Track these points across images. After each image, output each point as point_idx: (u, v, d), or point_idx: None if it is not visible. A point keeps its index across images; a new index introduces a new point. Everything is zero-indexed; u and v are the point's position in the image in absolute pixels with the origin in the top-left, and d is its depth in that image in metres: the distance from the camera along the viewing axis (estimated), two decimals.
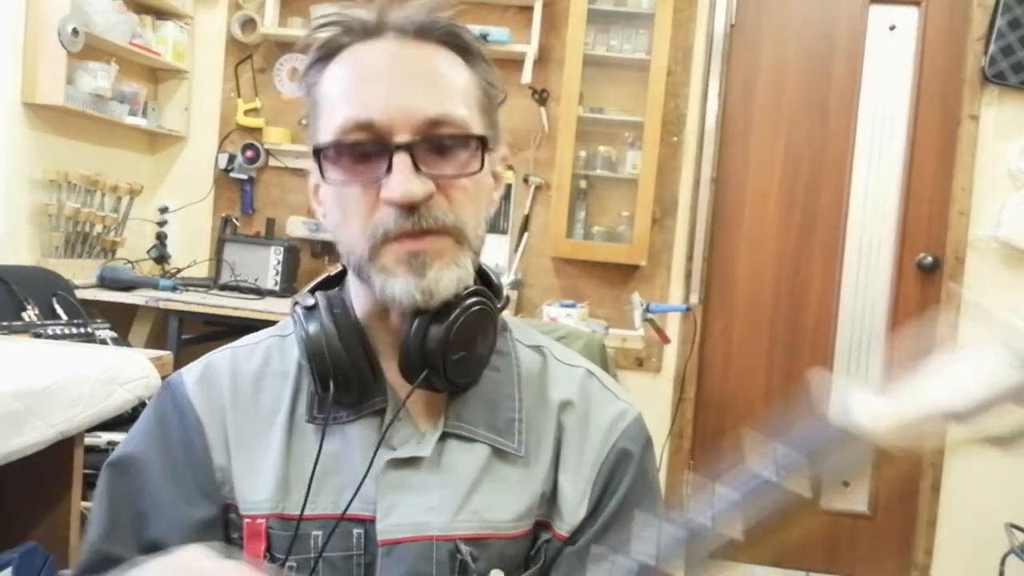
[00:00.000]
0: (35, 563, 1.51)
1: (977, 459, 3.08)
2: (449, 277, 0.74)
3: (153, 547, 0.75)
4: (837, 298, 3.19)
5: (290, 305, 0.82)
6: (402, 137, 0.72)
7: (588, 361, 0.87)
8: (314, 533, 0.76)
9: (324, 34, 0.77)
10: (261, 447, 0.79)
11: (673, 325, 3.17)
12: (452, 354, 0.75)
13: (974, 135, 3.04)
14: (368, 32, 0.75)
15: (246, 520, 0.78)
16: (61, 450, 1.53)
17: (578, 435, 0.82)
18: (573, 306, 2.88)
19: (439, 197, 0.73)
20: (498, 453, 0.79)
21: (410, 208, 0.71)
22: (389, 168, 0.71)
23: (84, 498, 1.80)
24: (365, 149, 0.73)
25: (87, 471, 1.86)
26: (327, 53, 0.77)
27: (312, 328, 0.77)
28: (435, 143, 0.73)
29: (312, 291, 0.82)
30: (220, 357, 0.84)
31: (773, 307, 3.22)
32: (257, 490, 0.78)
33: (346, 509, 0.75)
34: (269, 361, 0.83)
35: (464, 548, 0.75)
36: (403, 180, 0.70)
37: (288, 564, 0.76)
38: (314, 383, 0.78)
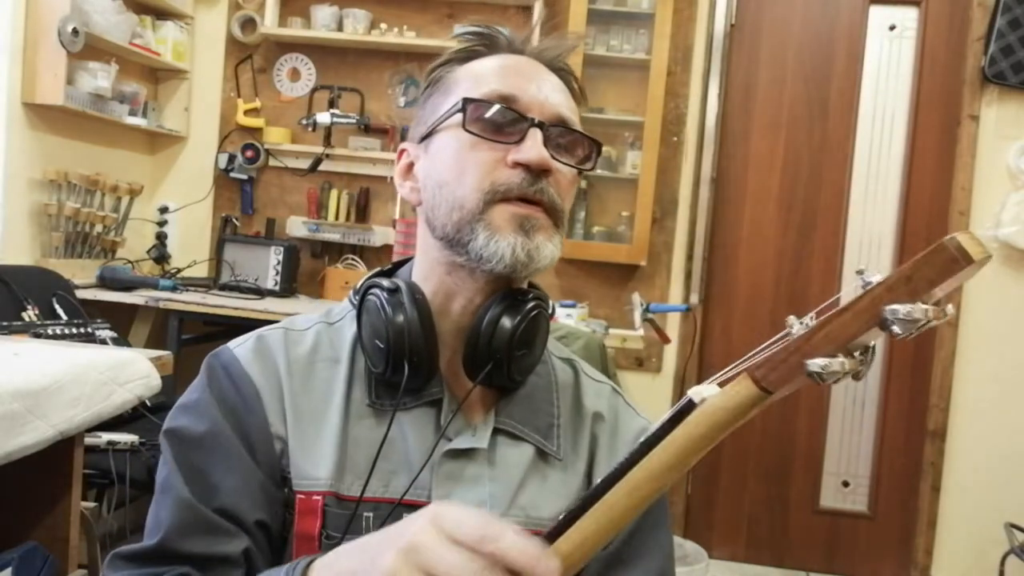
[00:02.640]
0: (35, 563, 1.51)
1: (977, 459, 3.08)
2: (547, 250, 0.78)
3: (222, 514, 0.76)
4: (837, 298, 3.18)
5: (351, 292, 0.85)
6: (539, 117, 0.79)
7: (608, 378, 0.93)
8: (366, 514, 0.78)
9: (465, 43, 0.86)
10: (316, 426, 0.80)
11: (673, 325, 3.17)
12: (517, 351, 0.79)
13: (974, 135, 3.04)
14: (509, 48, 0.86)
15: (299, 495, 0.78)
16: (61, 450, 1.53)
17: (608, 446, 0.87)
18: (573, 306, 2.88)
19: (552, 180, 0.79)
20: (541, 454, 0.83)
21: (536, 175, 0.77)
22: (521, 139, 0.78)
23: (84, 498, 1.80)
24: (506, 115, 0.79)
25: (87, 471, 1.86)
26: (469, 55, 0.85)
27: (395, 311, 0.79)
28: (562, 135, 0.81)
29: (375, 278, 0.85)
30: (272, 334, 0.85)
31: (773, 307, 3.22)
32: (315, 466, 0.79)
33: (404, 493, 0.77)
34: (319, 347, 0.84)
35: None
36: (539, 146, 0.77)
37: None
38: (386, 366, 0.79)
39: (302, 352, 0.84)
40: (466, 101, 0.79)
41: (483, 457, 0.80)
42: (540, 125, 0.79)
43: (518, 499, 0.80)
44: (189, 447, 0.79)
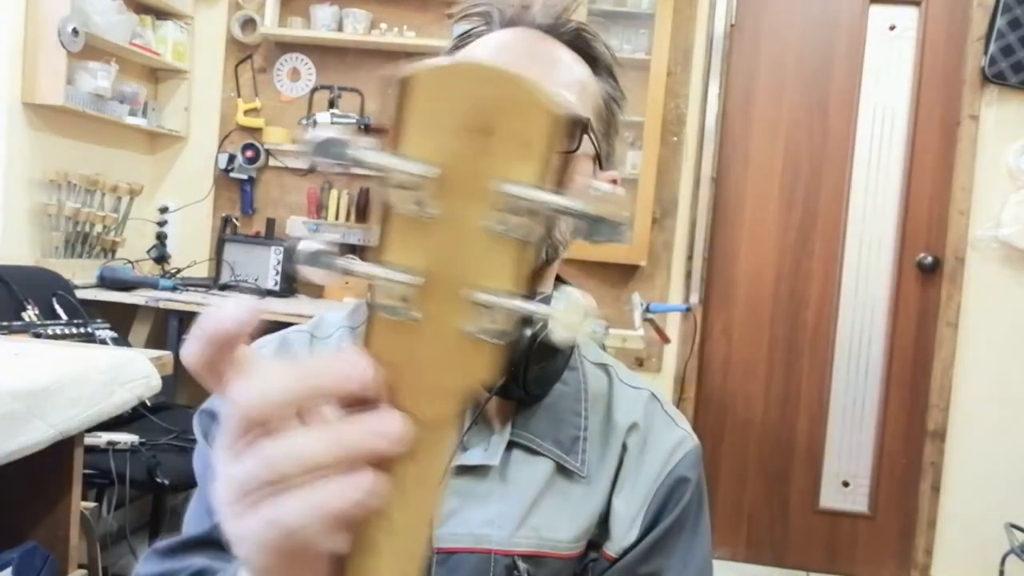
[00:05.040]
0: (35, 563, 1.51)
1: (977, 459, 3.08)
2: None
3: None
4: (837, 298, 3.19)
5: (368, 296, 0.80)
6: None
7: (650, 383, 0.85)
8: None
9: (465, 25, 0.79)
10: None
11: (673, 325, 3.17)
12: (535, 363, 0.73)
13: (974, 135, 3.04)
14: (504, 23, 0.77)
15: None
16: (61, 450, 1.53)
17: (637, 458, 0.79)
18: None
19: None
20: (561, 470, 0.76)
21: None
22: None
23: (84, 498, 1.80)
24: None
25: (87, 471, 1.86)
26: (465, 40, 0.78)
27: None
28: None
29: None
30: (297, 338, 0.81)
31: (773, 307, 3.22)
32: None
33: None
34: None
35: (522, 565, 0.73)
36: None
37: None
38: None
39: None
40: None
41: (495, 473, 0.75)
42: None
43: (530, 519, 0.74)
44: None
